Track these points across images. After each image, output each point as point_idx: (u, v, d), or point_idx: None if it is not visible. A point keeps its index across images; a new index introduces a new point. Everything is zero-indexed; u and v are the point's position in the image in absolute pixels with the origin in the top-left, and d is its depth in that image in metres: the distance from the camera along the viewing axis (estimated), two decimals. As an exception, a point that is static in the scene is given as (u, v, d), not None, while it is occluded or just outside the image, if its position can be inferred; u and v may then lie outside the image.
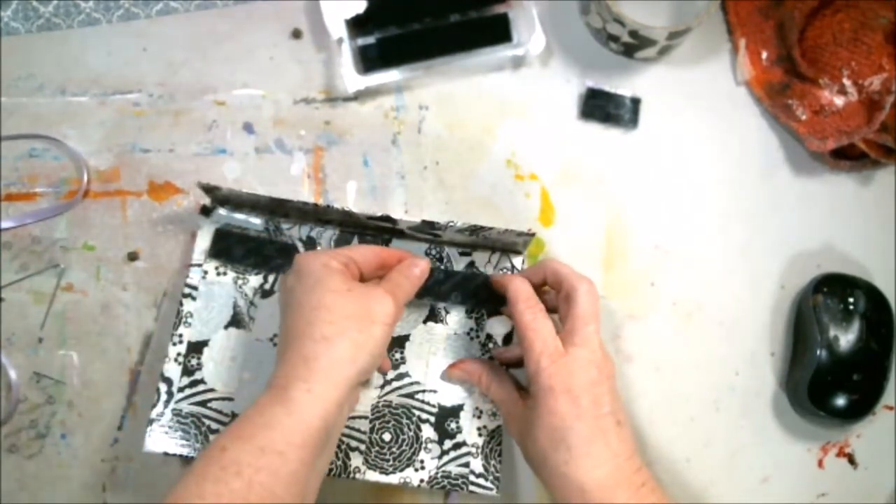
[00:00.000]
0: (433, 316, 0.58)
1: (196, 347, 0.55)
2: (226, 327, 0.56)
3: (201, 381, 0.55)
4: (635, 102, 0.63)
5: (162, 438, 0.53)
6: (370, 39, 0.62)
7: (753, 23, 0.65)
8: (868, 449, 0.60)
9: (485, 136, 0.63)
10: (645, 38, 0.60)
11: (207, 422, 0.54)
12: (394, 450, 0.55)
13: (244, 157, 0.61)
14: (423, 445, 0.55)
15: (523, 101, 0.63)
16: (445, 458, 0.55)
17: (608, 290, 0.61)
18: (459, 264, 0.58)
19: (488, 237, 0.56)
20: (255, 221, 0.58)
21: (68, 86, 0.61)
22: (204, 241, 0.57)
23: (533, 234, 0.55)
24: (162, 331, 0.58)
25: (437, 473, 0.55)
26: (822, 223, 0.63)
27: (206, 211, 0.58)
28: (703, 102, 0.64)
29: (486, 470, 0.55)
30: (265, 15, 0.63)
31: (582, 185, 0.63)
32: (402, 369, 0.57)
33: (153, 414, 0.54)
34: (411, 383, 0.56)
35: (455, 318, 0.58)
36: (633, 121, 0.63)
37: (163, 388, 0.54)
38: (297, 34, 0.63)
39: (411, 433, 0.55)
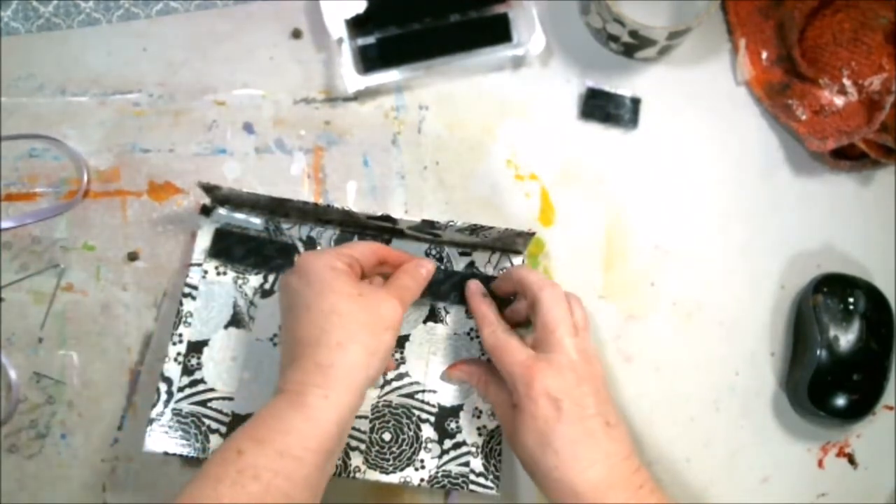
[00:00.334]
0: (433, 316, 0.58)
1: (196, 347, 0.55)
2: (226, 327, 0.56)
3: (201, 381, 0.55)
4: (635, 102, 0.63)
5: (162, 438, 0.53)
6: (370, 39, 0.62)
7: (753, 23, 0.65)
8: (868, 449, 0.60)
9: (485, 136, 0.63)
10: (645, 38, 0.60)
11: (207, 421, 0.54)
12: (394, 449, 0.55)
13: (244, 157, 0.61)
14: (423, 445, 0.55)
15: (523, 101, 0.63)
16: (445, 458, 0.55)
17: (608, 290, 0.61)
18: (459, 264, 0.58)
19: (488, 237, 0.56)
20: (255, 221, 0.58)
21: (68, 86, 0.61)
22: (204, 240, 0.57)
23: (533, 234, 0.55)
24: (162, 331, 0.58)
25: (437, 473, 0.55)
26: (822, 223, 0.63)
27: (205, 210, 0.58)
28: (703, 102, 0.64)
29: (486, 469, 0.55)
30: (265, 15, 0.63)
31: (582, 185, 0.63)
32: (402, 369, 0.57)
33: (153, 414, 0.54)
34: (411, 383, 0.56)
35: (455, 318, 0.58)
36: (633, 121, 0.63)
37: (163, 387, 0.54)
38: (297, 34, 0.63)
39: (411, 433, 0.55)
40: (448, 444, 0.56)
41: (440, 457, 0.55)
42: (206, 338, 0.56)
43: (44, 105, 0.61)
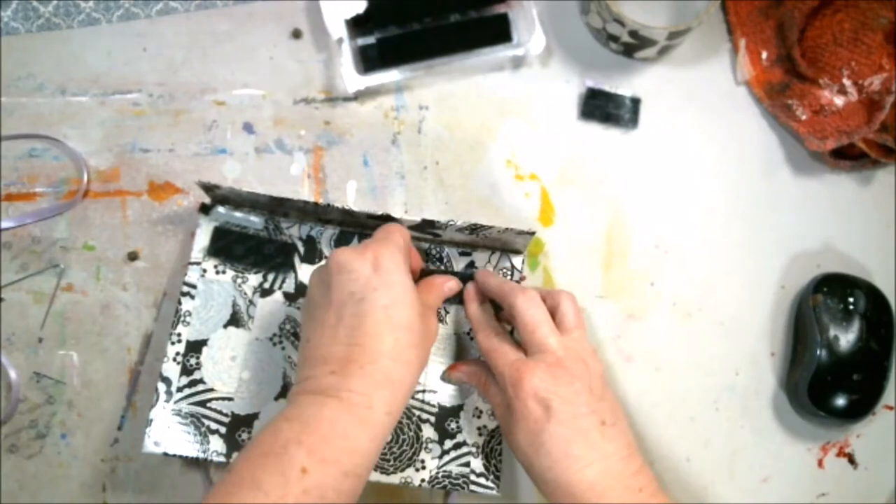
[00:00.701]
0: (433, 316, 0.58)
1: (195, 347, 0.55)
2: (225, 326, 0.56)
3: (200, 381, 0.55)
4: (635, 102, 0.63)
5: (161, 439, 0.53)
6: (370, 39, 0.62)
7: (753, 23, 0.65)
8: (868, 449, 0.60)
9: (485, 136, 0.63)
10: (645, 38, 0.60)
11: (207, 422, 0.54)
12: (394, 450, 0.55)
13: (244, 157, 0.61)
14: (424, 445, 0.55)
15: (523, 101, 0.63)
16: (446, 458, 0.55)
17: (608, 289, 0.61)
18: (459, 264, 0.58)
19: (488, 236, 0.56)
20: (255, 220, 0.58)
21: (68, 86, 0.61)
22: (203, 239, 0.57)
23: (533, 233, 0.55)
24: (162, 331, 0.58)
25: (437, 473, 0.55)
26: (822, 223, 0.63)
27: (205, 209, 0.58)
28: (703, 102, 0.64)
29: (486, 469, 0.55)
30: (265, 15, 0.63)
31: (582, 185, 0.63)
32: (402, 369, 0.57)
33: (152, 414, 0.54)
34: (411, 383, 0.56)
35: (455, 318, 0.58)
36: (633, 121, 0.63)
37: (162, 387, 0.54)
38: (297, 34, 0.63)
39: (411, 433, 0.55)
40: (448, 444, 0.56)
41: (441, 457, 0.55)
42: (205, 337, 0.56)
43: (44, 105, 0.61)
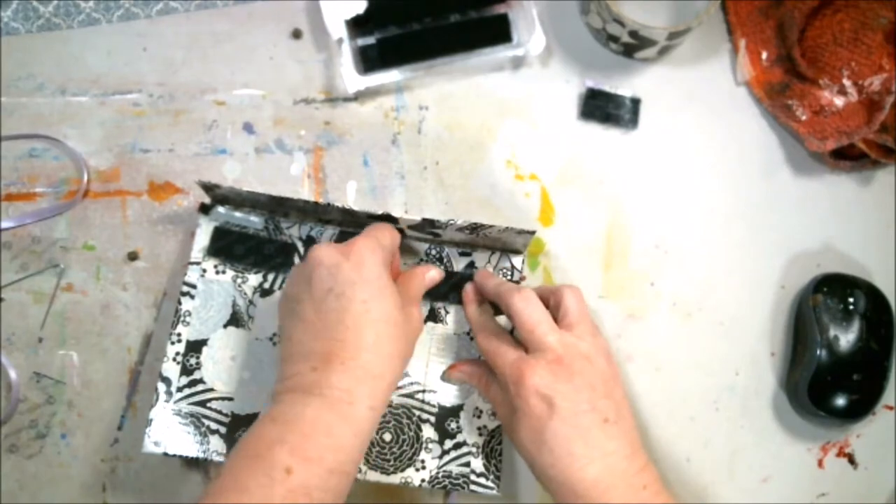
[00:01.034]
0: (433, 316, 0.58)
1: (195, 346, 0.55)
2: (225, 326, 0.56)
3: (200, 381, 0.55)
4: (635, 102, 0.63)
5: (161, 439, 0.53)
6: (370, 39, 0.62)
7: (753, 23, 0.65)
8: (868, 449, 0.60)
9: (485, 136, 0.63)
10: (645, 38, 0.60)
11: (207, 422, 0.54)
12: (394, 450, 0.55)
13: (244, 157, 0.61)
14: (424, 445, 0.55)
15: (523, 101, 0.63)
16: (446, 458, 0.55)
17: (608, 289, 0.61)
18: (459, 264, 0.58)
19: (488, 235, 0.56)
20: (255, 220, 0.58)
21: (68, 86, 0.61)
22: (203, 239, 0.57)
23: (533, 232, 0.55)
24: (162, 331, 0.58)
25: (438, 473, 0.55)
26: (822, 223, 0.63)
27: (205, 209, 0.58)
28: (703, 102, 0.64)
29: (486, 469, 0.55)
30: (265, 15, 0.63)
31: (582, 185, 0.63)
32: (402, 369, 0.57)
33: (152, 414, 0.54)
34: (411, 383, 0.56)
35: (455, 318, 0.58)
36: (633, 121, 0.63)
37: (161, 387, 0.54)
38: (297, 34, 0.63)
39: (411, 433, 0.55)
40: (448, 444, 0.56)
41: (441, 457, 0.55)
42: (205, 337, 0.56)
43: (44, 105, 0.61)
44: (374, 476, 0.54)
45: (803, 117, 0.62)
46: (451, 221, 0.54)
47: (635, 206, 0.62)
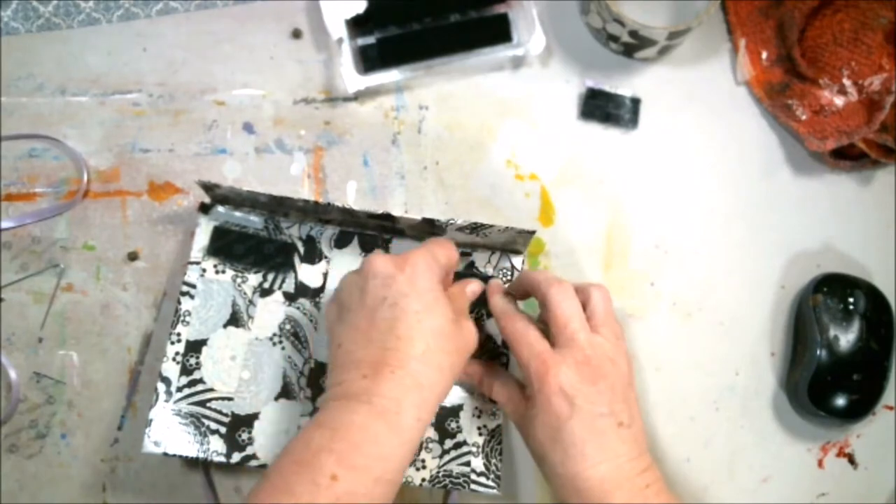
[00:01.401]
0: (433, 316, 0.58)
1: (194, 346, 0.55)
2: (224, 326, 0.56)
3: (200, 381, 0.55)
4: (635, 102, 0.63)
5: (161, 439, 0.53)
6: (370, 39, 0.62)
7: (753, 23, 0.65)
8: (868, 449, 0.60)
9: (485, 136, 0.63)
10: (645, 38, 0.60)
11: (207, 422, 0.54)
12: (394, 450, 0.55)
13: (244, 157, 0.61)
14: (424, 445, 0.55)
15: (523, 101, 0.63)
16: (446, 458, 0.55)
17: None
18: (459, 265, 0.58)
19: (489, 235, 0.56)
20: (254, 220, 0.58)
21: (68, 86, 0.61)
22: (202, 238, 0.57)
23: (533, 232, 0.55)
24: (162, 331, 0.58)
25: (438, 472, 0.55)
26: (822, 223, 0.63)
27: (204, 208, 0.58)
28: (703, 102, 0.64)
29: (487, 469, 0.55)
30: (265, 15, 0.63)
31: (582, 185, 0.63)
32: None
33: (152, 414, 0.54)
34: (411, 383, 0.56)
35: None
36: (633, 121, 0.63)
37: (161, 387, 0.54)
38: (297, 34, 0.63)
39: (411, 433, 0.55)
40: (449, 443, 0.56)
41: (441, 456, 0.55)
42: (205, 337, 0.56)
43: (44, 105, 0.61)
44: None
45: (803, 117, 0.62)
46: (452, 221, 0.54)
47: (635, 206, 0.62)
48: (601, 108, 0.63)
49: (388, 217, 0.55)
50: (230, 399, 0.55)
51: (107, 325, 0.58)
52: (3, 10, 0.62)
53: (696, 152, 0.64)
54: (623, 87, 0.64)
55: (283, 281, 0.57)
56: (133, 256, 0.59)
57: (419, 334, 0.46)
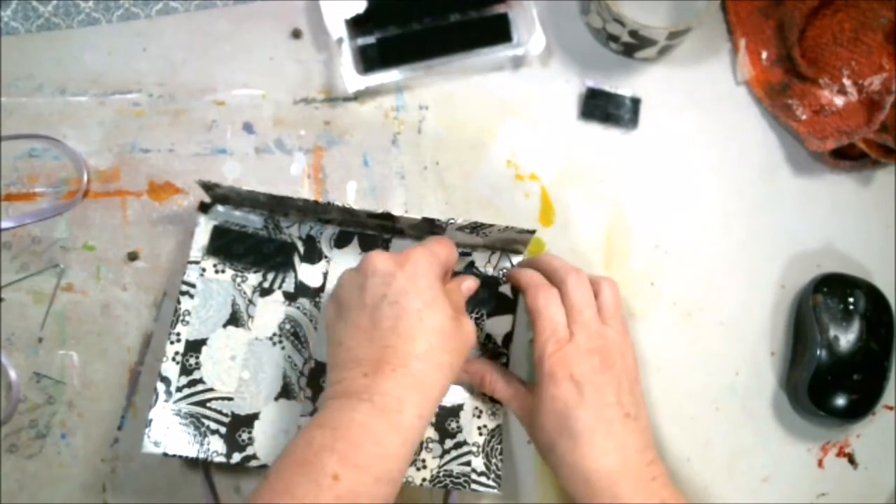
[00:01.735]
0: (433, 316, 0.58)
1: (194, 346, 0.55)
2: (224, 326, 0.56)
3: (200, 381, 0.55)
4: (635, 102, 0.63)
5: (161, 439, 0.53)
6: (370, 39, 0.62)
7: (753, 23, 0.65)
8: (868, 449, 0.60)
9: (485, 136, 0.63)
10: (645, 38, 0.60)
11: (207, 422, 0.54)
12: (394, 449, 0.55)
13: (244, 157, 0.61)
14: (424, 445, 0.55)
15: (523, 101, 0.63)
16: (447, 458, 0.55)
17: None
18: (460, 264, 0.58)
19: (489, 234, 0.56)
20: (254, 219, 0.58)
21: (68, 86, 0.61)
22: (202, 238, 0.57)
23: (533, 231, 0.55)
24: (162, 331, 0.58)
25: (438, 472, 0.55)
26: (822, 223, 0.63)
27: (204, 208, 0.58)
28: (703, 102, 0.64)
29: (487, 468, 0.55)
30: (265, 15, 0.63)
31: (582, 185, 0.63)
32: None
33: (152, 414, 0.54)
34: (411, 383, 0.56)
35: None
36: (633, 121, 0.63)
37: (161, 387, 0.54)
38: (297, 34, 0.63)
39: (411, 433, 0.55)
40: (449, 443, 0.56)
41: (441, 456, 0.55)
42: (205, 337, 0.56)
43: (44, 105, 0.61)
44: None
45: (803, 117, 0.62)
46: (452, 221, 0.54)
47: (635, 206, 0.62)
48: (601, 108, 0.63)
49: (388, 216, 0.55)
50: (230, 399, 0.55)
51: (107, 325, 0.58)
52: (2, 10, 0.62)
53: (696, 152, 0.64)
54: (623, 87, 0.64)
55: (282, 281, 0.57)
56: (133, 256, 0.59)
57: (420, 332, 0.46)
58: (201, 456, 0.53)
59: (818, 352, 0.58)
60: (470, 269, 0.58)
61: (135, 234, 0.59)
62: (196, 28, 0.63)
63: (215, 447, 0.54)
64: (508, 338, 0.58)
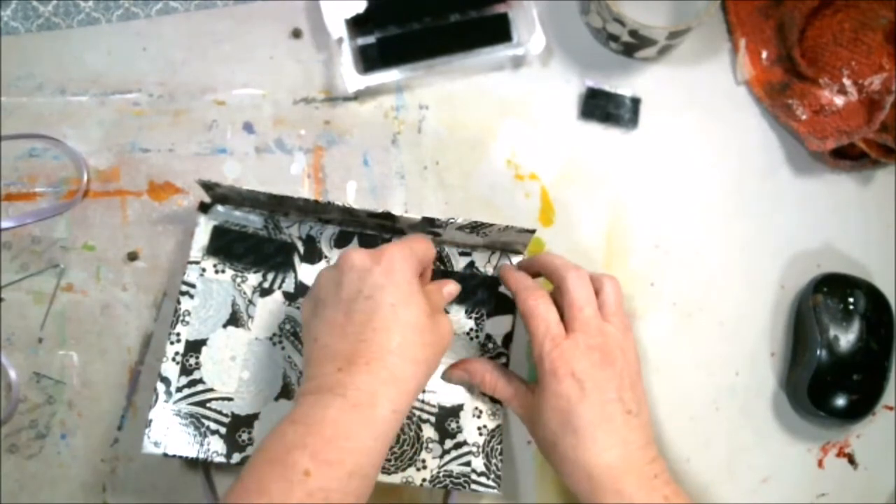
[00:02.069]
0: (433, 316, 0.58)
1: (194, 346, 0.55)
2: (224, 326, 0.56)
3: (200, 381, 0.55)
4: (635, 102, 0.63)
5: (161, 439, 0.53)
6: (370, 39, 0.62)
7: (753, 23, 0.65)
8: (868, 449, 0.60)
9: (485, 136, 0.63)
10: (645, 38, 0.60)
11: (207, 422, 0.54)
12: (395, 450, 0.55)
13: (244, 156, 0.61)
14: (424, 445, 0.55)
15: (523, 101, 0.63)
16: (447, 458, 0.55)
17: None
18: (459, 264, 0.58)
19: (489, 234, 0.56)
20: (254, 219, 0.58)
21: (68, 86, 0.61)
22: (202, 237, 0.57)
23: (533, 231, 0.55)
24: (162, 331, 0.58)
25: (438, 473, 0.55)
26: (822, 223, 0.63)
27: (204, 207, 0.58)
28: (703, 102, 0.64)
29: (487, 469, 0.55)
30: (265, 15, 0.63)
31: (582, 185, 0.63)
32: (402, 369, 0.57)
33: (152, 414, 0.54)
34: (411, 383, 0.56)
35: (454, 318, 0.58)
36: (633, 121, 0.63)
37: (161, 387, 0.54)
38: (297, 34, 0.63)
39: (412, 433, 0.55)
40: (449, 444, 0.56)
41: (441, 457, 0.55)
42: (205, 337, 0.56)
43: (44, 105, 0.61)
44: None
45: (803, 117, 0.62)
46: (451, 220, 0.54)
47: (635, 206, 0.62)
48: (601, 107, 0.63)
49: (388, 216, 0.55)
50: (230, 399, 0.55)
51: (107, 325, 0.58)
52: (2, 10, 0.62)
53: (696, 152, 0.64)
54: (623, 86, 0.64)
55: (282, 281, 0.57)
56: (133, 256, 0.59)
57: (395, 327, 0.45)
58: (201, 456, 0.53)
59: (818, 352, 0.58)
60: (470, 268, 0.58)
61: (135, 234, 0.59)
62: (196, 28, 0.63)
63: (215, 447, 0.54)
64: (508, 338, 0.58)
